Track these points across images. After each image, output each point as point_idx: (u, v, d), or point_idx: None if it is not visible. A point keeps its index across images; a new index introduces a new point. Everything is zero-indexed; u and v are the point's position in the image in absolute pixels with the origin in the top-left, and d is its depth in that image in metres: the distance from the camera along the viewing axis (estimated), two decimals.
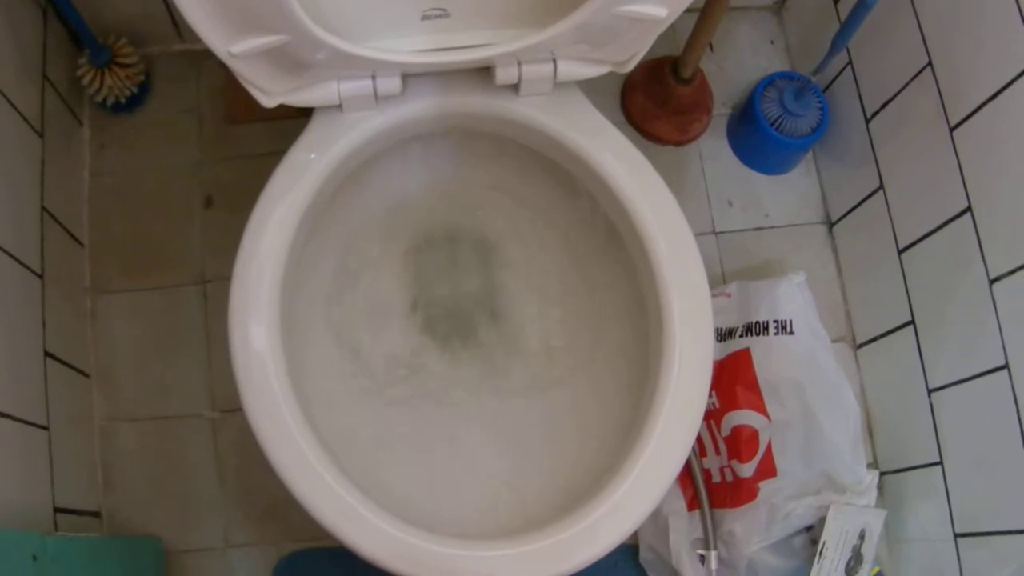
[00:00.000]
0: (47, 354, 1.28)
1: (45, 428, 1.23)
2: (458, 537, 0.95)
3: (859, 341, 1.51)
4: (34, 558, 0.96)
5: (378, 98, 1.06)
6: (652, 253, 1.05)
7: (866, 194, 1.45)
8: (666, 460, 0.97)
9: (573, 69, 1.06)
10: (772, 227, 1.60)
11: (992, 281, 1.15)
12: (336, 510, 0.93)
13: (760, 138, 1.55)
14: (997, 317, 1.14)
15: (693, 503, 1.37)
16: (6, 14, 1.26)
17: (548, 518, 0.95)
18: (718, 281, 1.54)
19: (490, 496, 1.11)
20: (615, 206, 1.08)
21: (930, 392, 1.30)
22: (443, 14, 1.03)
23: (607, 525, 0.94)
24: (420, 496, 1.08)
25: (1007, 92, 1.09)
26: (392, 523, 0.93)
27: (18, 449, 1.15)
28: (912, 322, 1.34)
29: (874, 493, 1.34)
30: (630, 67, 1.07)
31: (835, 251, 1.58)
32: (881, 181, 1.40)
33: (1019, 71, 1.07)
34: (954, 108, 1.20)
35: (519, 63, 1.04)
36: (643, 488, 0.96)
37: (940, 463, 1.28)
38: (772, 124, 1.52)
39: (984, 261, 1.16)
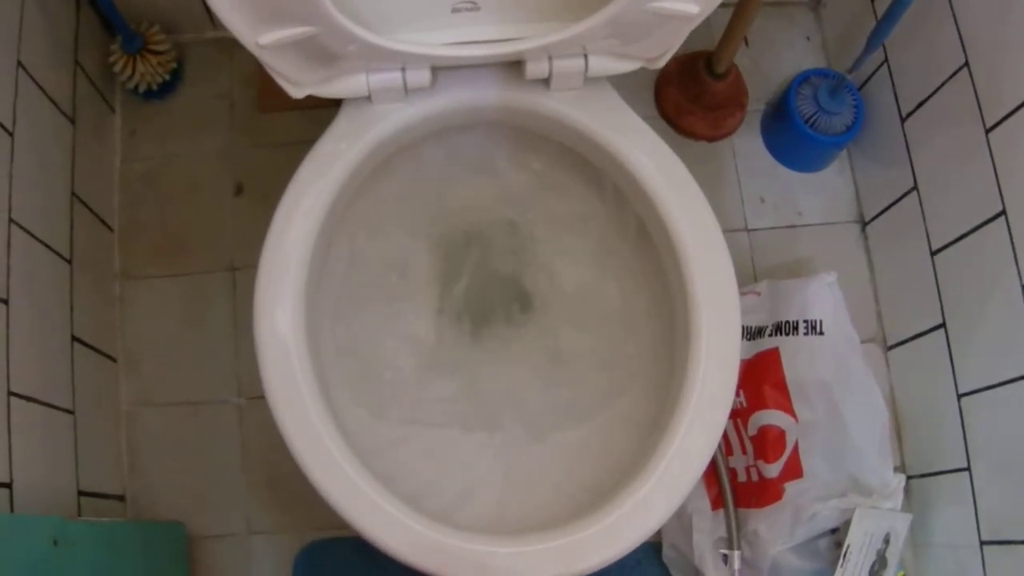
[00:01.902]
0: (74, 339, 1.29)
1: (71, 412, 1.24)
2: (479, 532, 0.95)
3: (890, 343, 1.50)
4: (55, 542, 0.97)
5: (407, 90, 1.06)
6: (680, 251, 1.04)
7: (900, 194, 1.43)
8: (690, 459, 0.97)
9: (604, 64, 1.06)
10: (805, 225, 1.59)
11: None
12: (357, 503, 0.93)
13: (794, 135, 1.54)
14: None
15: (717, 502, 1.36)
16: (40, 2, 1.27)
17: (571, 515, 0.95)
18: (750, 278, 1.53)
19: (512, 491, 1.11)
20: (644, 202, 1.08)
21: (960, 396, 1.29)
22: (473, 7, 1.02)
23: (630, 523, 0.94)
24: (440, 488, 1.08)
25: None
26: (413, 517, 0.93)
27: (44, 433, 1.16)
28: (943, 325, 1.33)
29: (900, 497, 1.33)
30: (661, 63, 1.07)
31: (868, 251, 1.57)
32: (915, 181, 1.39)
33: None
34: (990, 109, 1.19)
35: (550, 57, 1.04)
36: (667, 487, 0.95)
37: (968, 468, 1.27)
38: (806, 121, 1.51)
39: (1017, 266, 1.15)
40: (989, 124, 1.19)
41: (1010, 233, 1.16)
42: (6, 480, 1.03)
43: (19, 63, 1.19)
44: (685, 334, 1.03)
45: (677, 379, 1.01)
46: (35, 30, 1.25)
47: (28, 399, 1.12)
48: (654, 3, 0.93)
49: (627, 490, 0.95)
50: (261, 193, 1.52)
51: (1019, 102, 1.12)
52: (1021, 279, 1.14)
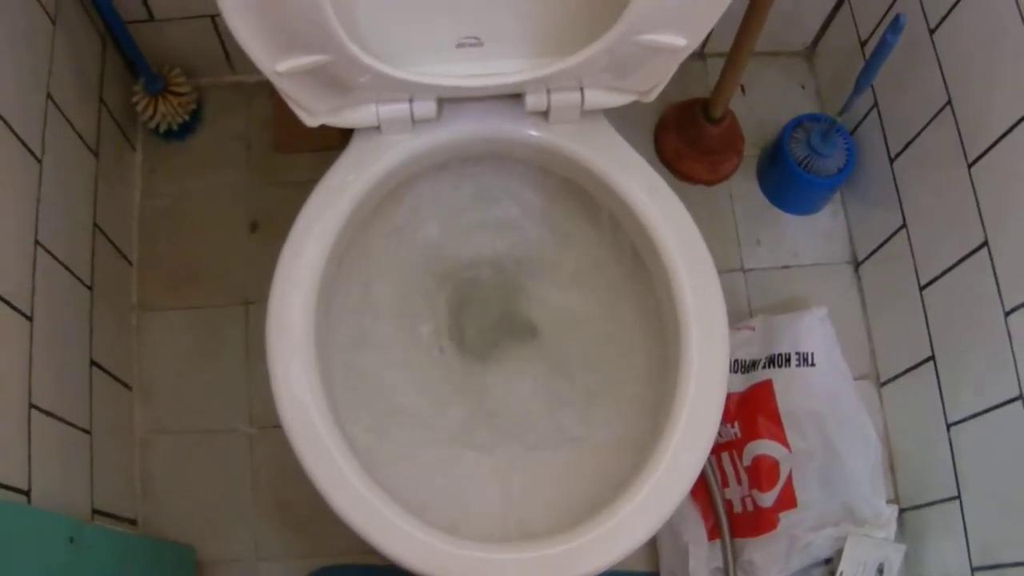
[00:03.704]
0: (93, 363, 1.33)
1: (88, 432, 1.27)
2: (481, 541, 0.99)
3: (883, 379, 1.52)
4: (71, 540, 1.00)
5: (415, 121, 1.11)
6: (672, 278, 1.08)
7: (890, 233, 1.47)
8: (678, 476, 1.01)
9: (599, 97, 1.11)
10: (799, 266, 1.63)
11: (1007, 313, 1.16)
12: (368, 516, 0.97)
13: (788, 178, 1.58)
14: (1012, 348, 1.16)
15: (714, 532, 1.39)
16: (69, 40, 1.33)
17: (567, 527, 0.99)
18: (745, 318, 1.55)
19: (512, 506, 1.14)
20: (638, 231, 1.12)
21: (949, 426, 1.31)
22: (477, 43, 1.07)
23: (623, 533, 0.98)
24: (440, 504, 1.11)
25: (1022, 125, 1.12)
26: (420, 528, 0.97)
27: (61, 447, 1.19)
28: (932, 357, 1.36)
29: (893, 527, 1.35)
30: (653, 96, 1.11)
31: (861, 291, 1.60)
32: (904, 219, 1.43)
33: None
34: (972, 144, 1.23)
35: (548, 91, 1.09)
36: (655, 502, 0.99)
37: (958, 497, 1.29)
38: (799, 164, 1.55)
39: (1000, 293, 1.18)
40: (971, 159, 1.23)
41: (992, 262, 1.19)
42: (24, 487, 1.06)
43: (49, 96, 1.24)
44: (676, 359, 1.06)
45: (667, 401, 1.05)
46: (64, 67, 1.30)
47: (47, 414, 1.15)
48: (644, 36, 0.98)
49: (619, 503, 0.99)
50: (275, 230, 1.54)
51: (998, 135, 1.17)
52: (1003, 306, 1.17)
